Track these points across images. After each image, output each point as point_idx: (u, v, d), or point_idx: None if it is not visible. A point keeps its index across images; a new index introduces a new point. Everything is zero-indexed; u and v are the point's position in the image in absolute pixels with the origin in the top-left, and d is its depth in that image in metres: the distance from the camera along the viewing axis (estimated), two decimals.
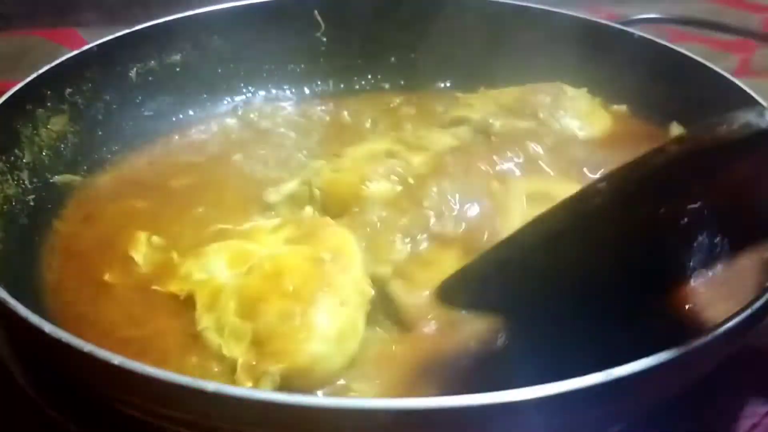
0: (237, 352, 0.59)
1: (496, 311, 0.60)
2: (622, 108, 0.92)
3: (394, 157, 0.76)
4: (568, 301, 0.54)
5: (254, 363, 0.58)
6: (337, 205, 0.72)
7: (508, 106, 0.87)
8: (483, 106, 0.88)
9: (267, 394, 0.46)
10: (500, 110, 0.87)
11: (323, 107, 0.99)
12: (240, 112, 0.97)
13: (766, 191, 0.53)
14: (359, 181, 0.72)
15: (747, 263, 0.66)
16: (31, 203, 0.76)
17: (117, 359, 0.48)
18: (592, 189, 0.46)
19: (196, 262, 0.67)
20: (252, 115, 0.96)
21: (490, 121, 0.84)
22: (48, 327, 0.52)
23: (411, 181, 0.72)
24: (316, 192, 0.74)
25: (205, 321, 0.62)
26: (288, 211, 0.75)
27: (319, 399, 0.46)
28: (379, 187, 0.72)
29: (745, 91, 0.79)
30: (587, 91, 0.91)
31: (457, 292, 0.58)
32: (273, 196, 0.77)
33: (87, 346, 0.49)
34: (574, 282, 0.52)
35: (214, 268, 0.66)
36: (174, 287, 0.66)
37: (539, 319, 0.56)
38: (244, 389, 0.47)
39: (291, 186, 0.77)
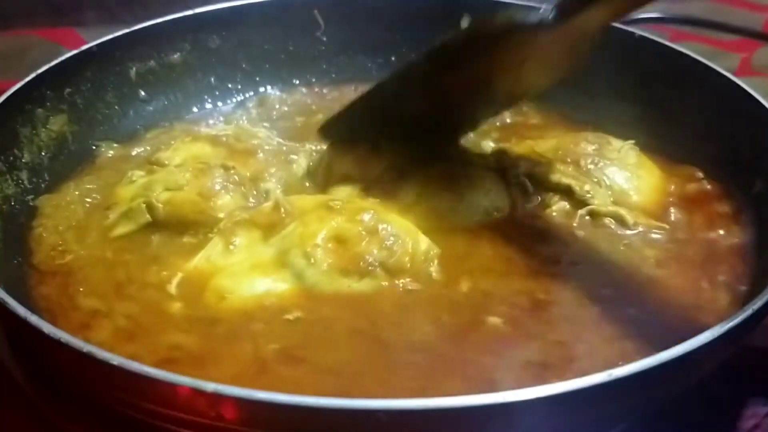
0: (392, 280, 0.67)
1: (359, 140, 0.79)
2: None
3: (222, 166, 0.76)
4: (407, 128, 0.78)
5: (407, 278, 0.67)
6: (181, 224, 0.72)
7: (544, 155, 0.82)
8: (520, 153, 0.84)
9: (267, 394, 0.46)
10: (540, 158, 0.82)
11: (322, 107, 0.99)
12: (239, 113, 0.97)
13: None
14: (201, 198, 0.73)
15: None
16: (31, 203, 0.76)
17: (116, 359, 0.49)
18: (414, 60, 0.74)
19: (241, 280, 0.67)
20: (253, 113, 0.96)
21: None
22: (47, 327, 0.52)
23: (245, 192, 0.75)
24: (159, 207, 0.73)
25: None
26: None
27: (319, 399, 0.46)
28: (225, 202, 0.73)
29: (746, 91, 0.79)
30: (634, 143, 0.84)
31: (334, 130, 0.80)
32: (111, 215, 0.74)
33: (86, 347, 0.50)
34: (409, 117, 0.77)
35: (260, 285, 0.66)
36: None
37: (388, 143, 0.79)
38: (244, 389, 0.46)
39: (124, 202, 0.75)
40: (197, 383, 0.47)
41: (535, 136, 0.89)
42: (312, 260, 0.66)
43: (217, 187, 0.74)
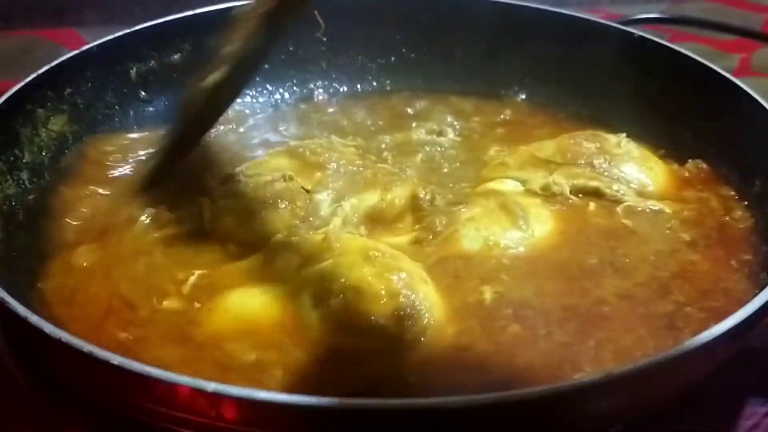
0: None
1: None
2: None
3: (282, 177, 0.75)
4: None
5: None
6: (226, 235, 0.72)
7: (551, 160, 0.82)
8: (521, 162, 0.83)
9: (267, 394, 0.46)
10: (547, 164, 0.81)
11: (323, 109, 0.99)
12: (239, 114, 0.97)
13: None
14: (246, 213, 0.72)
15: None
16: (31, 203, 0.76)
17: (117, 359, 0.48)
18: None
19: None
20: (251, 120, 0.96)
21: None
22: (48, 327, 0.52)
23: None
24: (206, 218, 0.73)
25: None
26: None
27: (319, 399, 0.46)
28: (269, 218, 0.72)
29: (745, 91, 0.79)
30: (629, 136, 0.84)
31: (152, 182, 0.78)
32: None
33: (87, 347, 0.49)
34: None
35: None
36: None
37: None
38: (244, 389, 0.47)
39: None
40: (197, 383, 0.47)
41: (531, 137, 0.89)
42: (317, 304, 0.63)
43: (269, 202, 0.73)
